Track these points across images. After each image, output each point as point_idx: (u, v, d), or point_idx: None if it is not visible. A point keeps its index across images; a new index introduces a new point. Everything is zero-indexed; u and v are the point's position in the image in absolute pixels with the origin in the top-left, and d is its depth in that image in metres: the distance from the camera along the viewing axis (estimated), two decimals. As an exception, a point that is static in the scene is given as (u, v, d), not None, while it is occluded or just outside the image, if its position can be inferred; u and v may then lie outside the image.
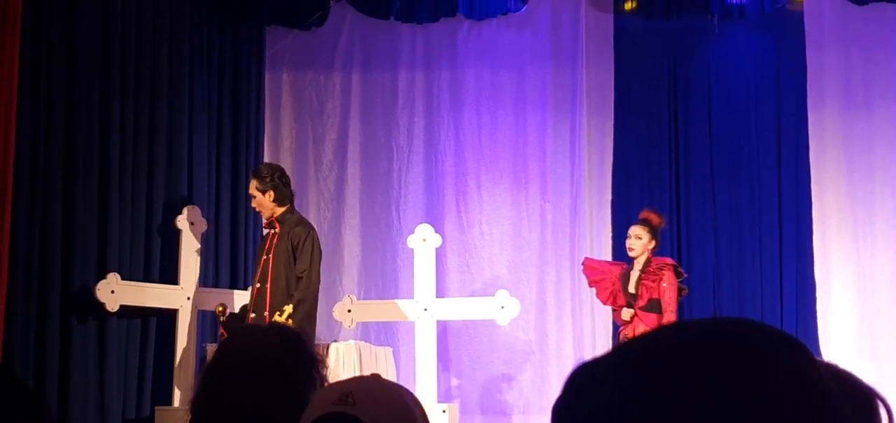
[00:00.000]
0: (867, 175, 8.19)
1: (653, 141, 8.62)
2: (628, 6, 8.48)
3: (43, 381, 6.57)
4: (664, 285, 6.97)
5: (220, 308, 6.77)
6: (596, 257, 7.79)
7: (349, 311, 7.67)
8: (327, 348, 6.89)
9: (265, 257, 6.55)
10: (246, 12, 8.28)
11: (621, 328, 7.11)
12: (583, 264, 7.47)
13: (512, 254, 8.42)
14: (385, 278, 8.50)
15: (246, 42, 8.33)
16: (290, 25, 8.56)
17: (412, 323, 7.57)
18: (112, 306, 6.83)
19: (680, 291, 7.05)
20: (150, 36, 7.39)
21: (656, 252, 7.11)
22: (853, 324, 8.03)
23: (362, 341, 7.61)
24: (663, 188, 8.57)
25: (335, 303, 7.87)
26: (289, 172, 8.61)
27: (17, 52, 6.37)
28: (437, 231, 7.64)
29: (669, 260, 7.20)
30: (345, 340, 7.54)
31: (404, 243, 7.90)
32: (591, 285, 7.39)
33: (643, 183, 8.58)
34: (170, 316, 7.23)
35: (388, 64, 8.69)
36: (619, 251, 8.41)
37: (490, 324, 8.02)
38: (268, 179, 6.58)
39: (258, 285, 6.53)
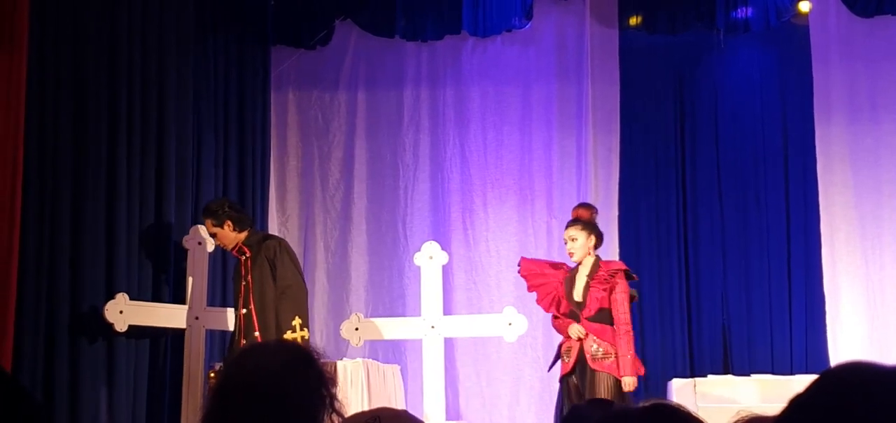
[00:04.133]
0: (874, 188, 8.17)
1: (659, 157, 8.61)
2: (633, 22, 8.49)
3: (52, 401, 6.56)
4: (617, 294, 6.38)
5: (213, 375, 6.79)
6: (535, 257, 7.26)
7: (356, 329, 7.65)
8: (335, 366, 6.89)
9: (244, 282, 6.55)
10: (251, 32, 8.31)
11: (565, 341, 6.53)
12: (519, 264, 6.84)
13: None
14: (392, 295, 8.50)
15: (251, 62, 8.35)
16: (295, 45, 8.58)
17: (420, 341, 7.55)
18: (121, 327, 6.83)
19: (631, 297, 6.48)
20: (156, 58, 7.40)
21: (601, 250, 6.55)
22: (863, 338, 8.00)
23: (370, 359, 7.60)
24: (670, 204, 8.56)
25: (342, 321, 7.86)
26: (295, 191, 8.69)
27: (24, 74, 6.39)
28: (443, 248, 7.62)
29: (620, 264, 6.69)
30: (352, 358, 7.53)
31: (411, 260, 7.88)
32: (530, 290, 6.75)
33: (650, 199, 8.57)
34: (178, 336, 7.23)
35: (393, 82, 8.71)
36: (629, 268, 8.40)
37: (498, 341, 8.01)
38: (220, 212, 6.60)
39: (243, 311, 6.54)
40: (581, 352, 6.42)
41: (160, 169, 7.38)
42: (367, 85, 8.72)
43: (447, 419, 7.40)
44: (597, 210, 6.75)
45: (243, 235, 6.62)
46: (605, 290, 6.39)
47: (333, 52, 8.66)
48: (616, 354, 6.37)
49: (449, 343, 7.89)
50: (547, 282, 6.64)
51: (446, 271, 7.77)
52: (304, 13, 8.40)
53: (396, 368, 7.94)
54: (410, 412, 7.06)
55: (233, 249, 6.67)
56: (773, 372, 7.96)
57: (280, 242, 6.66)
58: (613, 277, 6.41)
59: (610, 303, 6.38)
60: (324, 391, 2.31)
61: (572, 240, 6.51)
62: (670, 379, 7.94)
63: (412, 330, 7.56)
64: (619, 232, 8.37)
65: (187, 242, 7.29)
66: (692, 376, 7.96)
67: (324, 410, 2.29)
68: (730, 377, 7.87)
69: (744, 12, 8.25)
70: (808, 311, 8.26)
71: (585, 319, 6.42)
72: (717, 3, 8.12)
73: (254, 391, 2.24)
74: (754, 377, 7.73)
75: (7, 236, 6.22)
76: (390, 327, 7.74)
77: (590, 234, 6.50)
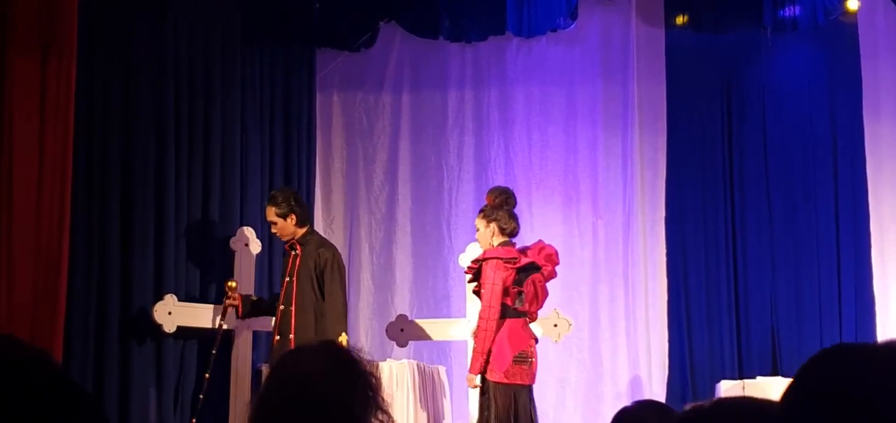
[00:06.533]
0: (925, 187, 8.06)
1: (706, 156, 8.54)
2: (679, 20, 8.42)
3: (102, 402, 6.65)
4: (484, 282, 6.10)
5: (233, 284, 6.77)
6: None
7: (402, 330, 7.67)
8: (378, 367, 6.89)
9: (288, 279, 6.58)
10: (296, 36, 8.34)
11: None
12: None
13: (564, 272, 8.33)
14: (437, 297, 8.50)
15: (297, 65, 8.39)
16: (339, 47, 8.60)
17: (465, 342, 7.55)
18: (169, 328, 6.90)
19: (507, 285, 6.04)
20: (202, 61, 7.48)
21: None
22: (913, 339, 7.89)
23: (415, 361, 7.61)
24: (718, 204, 8.49)
25: (387, 322, 7.88)
26: (340, 192, 8.71)
27: (73, 79, 6.47)
28: (487, 250, 7.62)
29: (497, 251, 6.17)
30: (397, 359, 7.55)
31: (455, 261, 7.89)
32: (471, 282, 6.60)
33: (697, 199, 8.51)
34: (226, 336, 7.28)
35: (437, 83, 8.70)
36: (674, 268, 8.36)
37: (543, 342, 7.98)
38: (285, 204, 6.60)
39: (282, 307, 6.57)
40: None
41: (207, 172, 7.44)
42: (412, 86, 8.72)
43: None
44: (507, 194, 6.39)
45: (302, 231, 6.65)
46: (471, 279, 6.15)
47: (378, 53, 8.67)
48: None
49: (494, 345, 7.87)
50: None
51: (491, 272, 7.75)
52: (348, 16, 8.43)
53: (442, 369, 7.94)
54: (455, 414, 7.06)
55: (286, 242, 6.71)
56: (823, 374, 7.86)
57: (334, 254, 6.65)
58: (479, 264, 6.10)
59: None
60: (369, 393, 2.30)
61: (476, 231, 6.32)
62: (718, 381, 7.89)
63: (457, 331, 7.56)
64: (666, 232, 8.31)
65: (234, 243, 7.34)
66: (741, 377, 7.89)
67: (370, 411, 2.28)
68: (779, 378, 7.79)
69: (791, 11, 8.17)
70: (858, 311, 8.17)
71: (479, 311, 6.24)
72: (764, 2, 8.03)
73: (299, 398, 2.23)
74: (803, 378, 7.64)
75: (57, 239, 6.30)
76: (435, 329, 7.75)
77: (489, 222, 6.20)
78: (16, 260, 6.15)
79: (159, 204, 7.11)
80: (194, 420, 6.69)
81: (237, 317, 6.89)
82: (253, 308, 6.85)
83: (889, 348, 1.13)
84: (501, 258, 6.22)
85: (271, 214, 6.66)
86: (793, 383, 1.21)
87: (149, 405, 6.94)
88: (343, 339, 6.31)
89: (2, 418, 1.06)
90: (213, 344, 6.81)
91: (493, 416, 6.17)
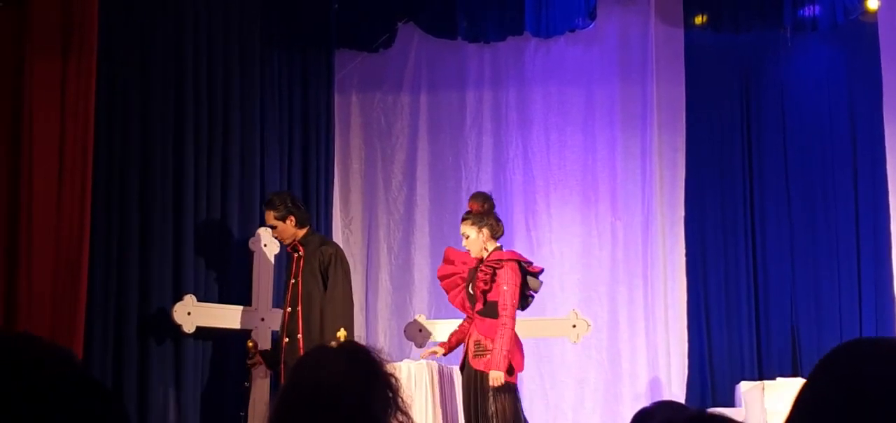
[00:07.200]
0: (946, 187, 8.01)
1: (725, 156, 8.52)
2: (698, 20, 8.40)
3: (123, 401, 6.67)
4: (500, 284, 6.18)
5: (251, 344, 6.82)
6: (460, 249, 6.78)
7: (420, 331, 7.68)
8: (392, 364, 6.88)
9: (293, 280, 6.57)
10: (315, 37, 8.36)
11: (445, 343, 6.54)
12: (444, 254, 6.74)
13: (583, 272, 8.36)
14: (455, 298, 8.49)
15: (315, 66, 8.40)
16: (358, 48, 8.61)
17: (483, 343, 7.54)
18: (189, 328, 6.92)
19: (529, 289, 6.25)
20: (221, 62, 7.50)
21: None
22: (935, 340, 7.84)
23: (434, 361, 7.60)
24: (737, 204, 8.46)
25: (405, 323, 7.89)
26: (358, 193, 8.72)
27: (93, 81, 6.50)
28: (505, 250, 7.60)
29: (511, 254, 6.40)
30: (415, 359, 7.54)
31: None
32: (440, 281, 6.69)
33: (716, 199, 8.48)
34: (244, 337, 7.30)
35: (455, 83, 8.70)
36: (693, 268, 8.33)
37: (561, 343, 7.98)
38: (283, 207, 6.58)
39: (289, 309, 6.57)
40: (468, 348, 6.37)
41: (226, 172, 7.46)
42: (430, 87, 8.73)
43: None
44: (491, 199, 6.51)
45: (302, 232, 6.64)
46: (485, 282, 6.22)
47: (396, 54, 8.68)
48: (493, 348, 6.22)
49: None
50: (455, 274, 6.54)
51: (510, 273, 7.75)
52: (366, 17, 8.44)
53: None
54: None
55: (288, 244, 6.71)
56: (843, 375, 7.82)
57: (337, 250, 6.66)
58: (496, 266, 6.22)
59: (498, 295, 6.21)
60: (389, 394, 2.31)
61: (466, 237, 6.38)
62: (738, 382, 7.86)
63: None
64: (685, 232, 8.29)
65: (253, 244, 7.36)
66: (761, 378, 7.86)
67: (390, 412, 2.29)
68: (799, 379, 7.75)
69: (811, 10, 8.13)
70: (878, 312, 8.13)
71: (477, 313, 6.31)
72: (783, 2, 8.00)
73: (319, 399, 2.23)
74: (824, 379, 7.60)
75: (77, 238, 6.33)
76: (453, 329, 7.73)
77: (481, 227, 6.31)
78: (36, 260, 6.18)
79: (178, 204, 7.13)
80: None
81: (267, 370, 6.86)
82: (274, 354, 6.79)
83: None
84: (518, 261, 6.35)
85: (270, 218, 6.65)
86: (808, 380, 1.19)
87: (168, 406, 6.96)
88: (341, 334, 6.29)
89: (27, 415, 1.06)
90: (243, 405, 6.85)
91: (497, 412, 6.24)
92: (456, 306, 6.67)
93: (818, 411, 1.04)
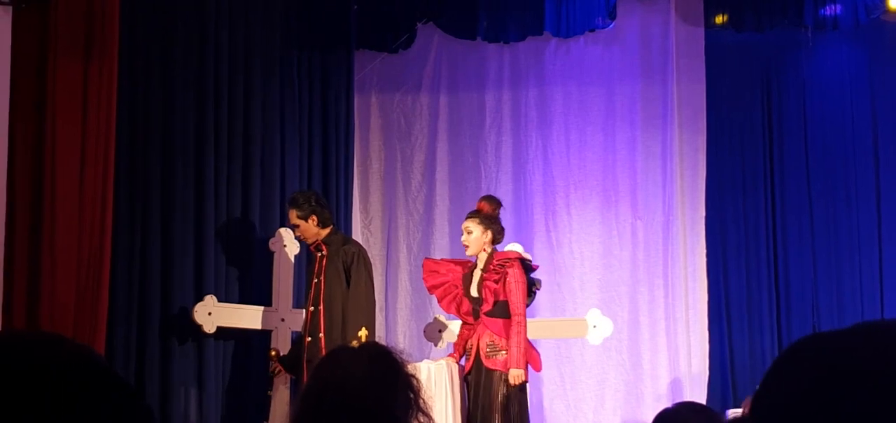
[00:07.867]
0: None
1: (746, 156, 8.49)
2: (719, 20, 8.37)
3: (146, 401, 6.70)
4: (510, 284, 6.25)
5: (273, 353, 6.85)
6: (440, 257, 7.12)
7: (440, 331, 7.68)
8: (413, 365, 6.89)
9: (316, 280, 6.58)
10: (335, 38, 8.38)
11: (461, 339, 6.54)
12: (423, 266, 6.79)
13: (603, 273, 8.34)
14: (474, 298, 8.49)
15: (335, 67, 8.42)
16: (377, 49, 8.62)
17: (503, 343, 7.54)
18: (209, 328, 6.95)
19: (531, 287, 6.34)
20: (242, 63, 7.53)
21: (502, 245, 6.42)
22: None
23: (453, 361, 7.60)
24: (758, 204, 8.43)
25: (425, 323, 7.89)
26: (378, 194, 8.73)
27: (115, 81, 6.54)
28: (526, 251, 7.60)
29: (515, 253, 6.51)
30: (435, 359, 7.54)
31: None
32: (430, 292, 6.78)
33: (737, 199, 8.45)
34: (265, 337, 7.32)
35: (475, 84, 8.70)
36: (714, 269, 8.30)
37: (582, 343, 7.96)
38: (306, 206, 6.60)
39: (311, 308, 6.58)
40: (478, 350, 6.37)
41: (246, 173, 7.49)
42: (449, 87, 8.73)
43: (530, 421, 7.37)
44: (501, 204, 6.64)
45: (325, 232, 6.66)
46: (496, 281, 6.27)
47: (416, 55, 8.68)
48: (509, 347, 6.26)
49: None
50: (446, 282, 6.58)
51: (529, 273, 7.74)
52: (386, 17, 8.45)
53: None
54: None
55: (311, 244, 6.72)
56: (866, 376, 7.79)
57: (359, 249, 6.68)
58: (504, 266, 6.28)
59: (506, 294, 6.27)
60: (411, 395, 2.31)
61: (468, 232, 6.45)
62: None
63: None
64: (706, 233, 8.26)
65: (273, 244, 7.38)
66: (782, 379, 7.81)
67: (411, 413, 2.29)
68: (820, 380, 7.71)
69: (832, 10, 8.10)
70: (901, 314, 8.09)
71: (484, 314, 6.34)
72: (805, 1, 7.97)
73: (342, 400, 2.23)
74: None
75: (99, 239, 6.37)
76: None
77: (487, 229, 6.39)
78: (59, 260, 6.22)
79: (199, 205, 7.16)
80: None
81: (288, 377, 6.88)
82: (295, 357, 6.78)
83: (862, 330, 1.10)
84: (523, 260, 6.47)
85: (293, 216, 6.66)
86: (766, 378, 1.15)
87: (189, 406, 6.99)
88: (362, 334, 6.30)
89: (54, 415, 1.07)
90: (265, 413, 6.88)
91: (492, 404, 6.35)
92: (450, 313, 6.71)
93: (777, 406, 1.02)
